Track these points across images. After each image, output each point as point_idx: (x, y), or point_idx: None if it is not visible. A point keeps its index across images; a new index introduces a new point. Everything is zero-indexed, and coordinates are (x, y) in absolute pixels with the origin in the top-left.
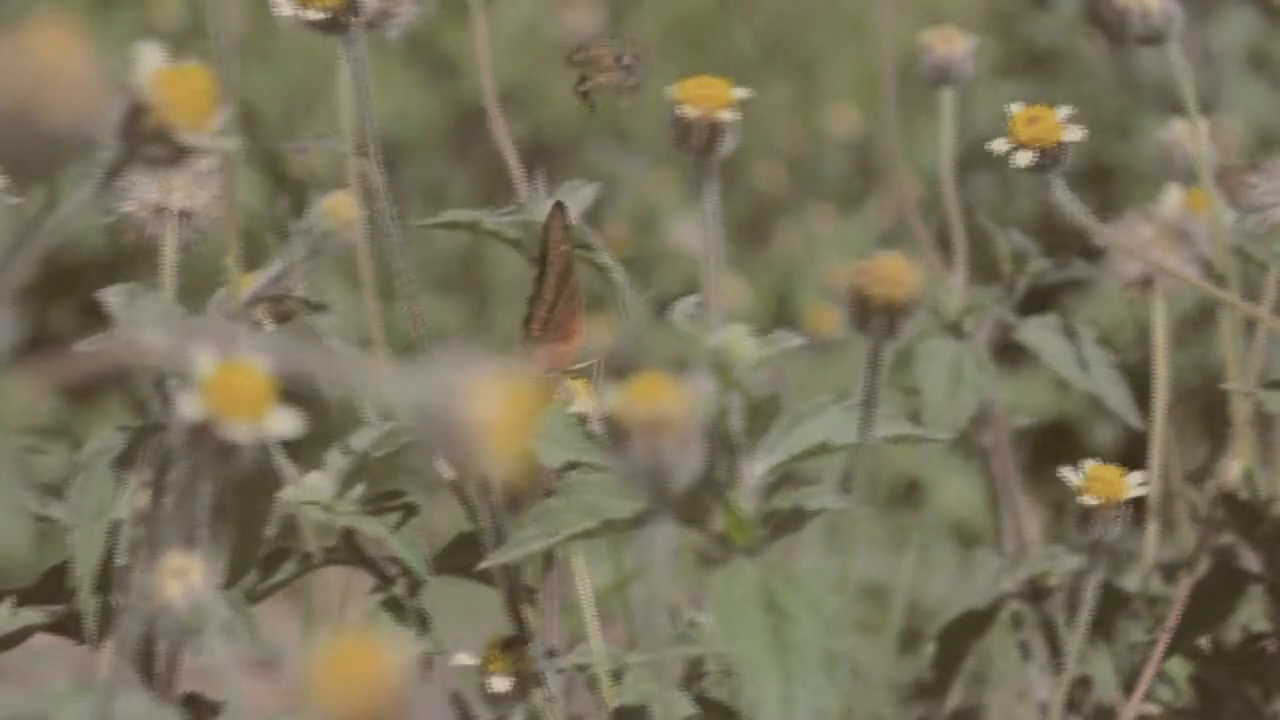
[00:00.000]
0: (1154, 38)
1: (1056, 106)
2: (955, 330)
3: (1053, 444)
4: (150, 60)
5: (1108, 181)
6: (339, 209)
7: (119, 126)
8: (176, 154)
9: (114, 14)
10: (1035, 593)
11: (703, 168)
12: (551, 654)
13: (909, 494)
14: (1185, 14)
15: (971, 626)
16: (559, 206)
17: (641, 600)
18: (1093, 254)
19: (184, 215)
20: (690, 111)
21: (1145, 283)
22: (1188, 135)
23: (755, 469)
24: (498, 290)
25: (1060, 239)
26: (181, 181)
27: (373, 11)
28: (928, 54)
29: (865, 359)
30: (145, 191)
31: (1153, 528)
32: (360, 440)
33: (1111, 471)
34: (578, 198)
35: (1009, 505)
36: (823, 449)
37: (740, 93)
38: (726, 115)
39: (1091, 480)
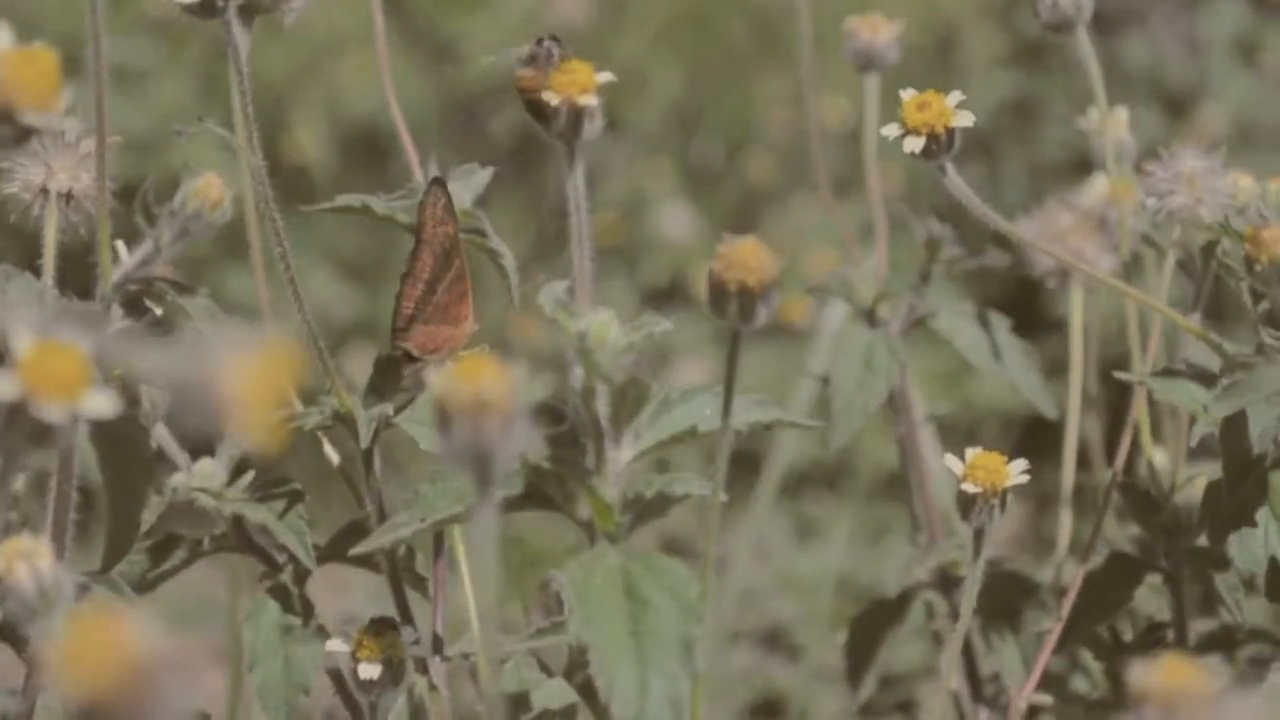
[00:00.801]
0: (1062, 25)
1: (1044, 95)
2: (869, 318)
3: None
4: None
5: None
6: (206, 190)
7: None
8: (21, 133)
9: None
10: (945, 581)
11: (568, 152)
12: (436, 641)
13: (889, 486)
14: (1172, 3)
15: (884, 616)
16: (436, 184)
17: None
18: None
19: (67, 197)
20: (553, 97)
21: (1063, 271)
22: (1108, 123)
23: (622, 455)
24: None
25: None
26: (65, 164)
27: None
28: (852, 39)
29: (727, 343)
30: (29, 173)
31: (1066, 517)
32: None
33: (994, 459)
34: (471, 182)
35: (921, 494)
36: (690, 435)
37: (604, 77)
38: (589, 100)
39: (973, 468)
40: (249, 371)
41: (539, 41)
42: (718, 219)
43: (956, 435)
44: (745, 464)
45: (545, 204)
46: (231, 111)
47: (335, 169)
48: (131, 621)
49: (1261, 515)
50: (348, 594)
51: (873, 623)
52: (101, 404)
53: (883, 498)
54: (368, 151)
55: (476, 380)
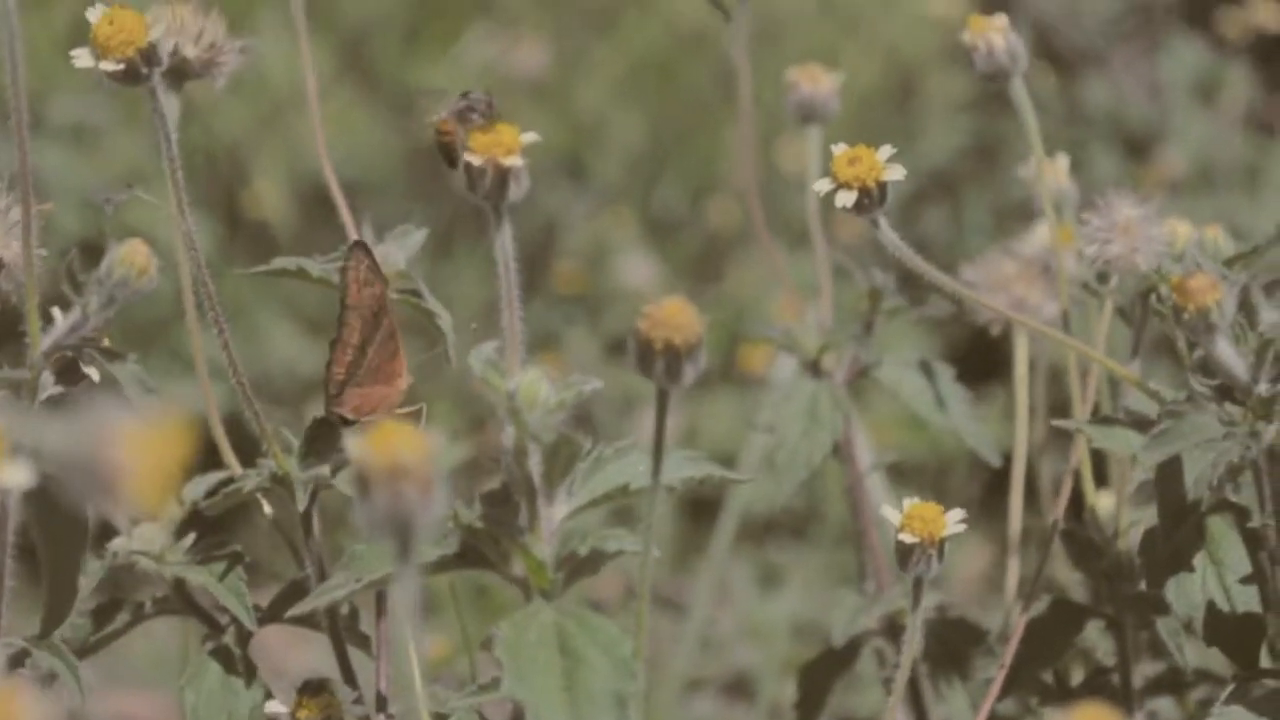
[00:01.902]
0: (998, 75)
1: (1006, 137)
2: (814, 369)
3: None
4: None
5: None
6: (133, 257)
7: None
8: None
9: None
10: (894, 629)
11: (494, 212)
12: (379, 700)
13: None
14: (1133, 46)
15: (832, 665)
16: (356, 249)
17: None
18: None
19: None
20: (475, 159)
21: (1007, 320)
22: (1047, 172)
23: (556, 512)
24: None
25: None
26: None
27: (195, 61)
28: (793, 91)
29: (655, 403)
30: None
31: (1013, 563)
32: (192, 490)
33: (930, 509)
34: (406, 242)
35: (866, 544)
36: (622, 493)
37: (528, 138)
38: (513, 161)
39: (909, 518)
40: (145, 443)
41: (465, 95)
42: (680, 267)
43: (924, 478)
44: (710, 510)
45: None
46: (189, 168)
47: (297, 224)
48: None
49: (1199, 560)
50: (308, 647)
51: (822, 672)
52: (17, 476)
53: (848, 544)
54: (330, 206)
55: (393, 446)
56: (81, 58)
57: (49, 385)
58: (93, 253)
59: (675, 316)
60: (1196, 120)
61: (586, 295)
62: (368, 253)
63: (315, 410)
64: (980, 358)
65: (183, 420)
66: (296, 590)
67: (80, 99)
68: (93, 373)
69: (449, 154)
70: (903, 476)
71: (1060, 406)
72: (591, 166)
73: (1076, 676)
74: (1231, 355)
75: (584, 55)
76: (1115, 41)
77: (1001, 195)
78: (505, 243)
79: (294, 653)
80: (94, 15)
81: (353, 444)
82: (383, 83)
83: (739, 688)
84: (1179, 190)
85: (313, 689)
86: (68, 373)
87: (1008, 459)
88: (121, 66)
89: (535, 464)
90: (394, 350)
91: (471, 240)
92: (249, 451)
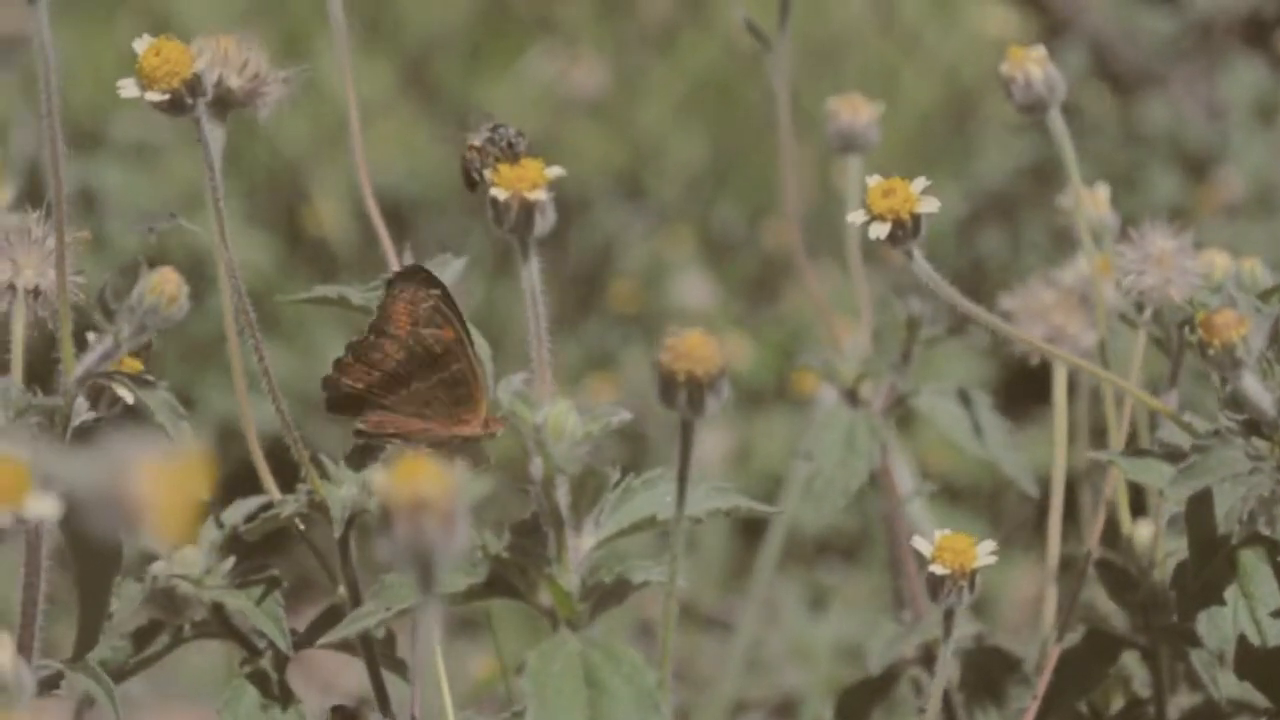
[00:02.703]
0: (1036, 106)
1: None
2: (851, 397)
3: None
4: None
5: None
6: (163, 285)
7: None
8: None
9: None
10: (930, 658)
11: (521, 246)
12: None
13: None
14: (1192, 66)
15: (870, 692)
16: (414, 282)
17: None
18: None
19: (34, 293)
20: (500, 193)
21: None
22: (1084, 201)
23: (584, 543)
24: None
25: None
26: (32, 260)
27: (239, 91)
28: (833, 120)
29: (678, 435)
30: None
31: (1051, 592)
32: (232, 515)
33: (962, 540)
34: (445, 272)
35: (904, 572)
36: (650, 523)
37: (554, 172)
38: (538, 195)
39: (940, 549)
40: (159, 478)
41: (495, 126)
42: (737, 287)
43: (978, 501)
44: (762, 531)
45: (566, 270)
46: (250, 185)
47: (357, 240)
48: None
49: (1230, 594)
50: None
51: (859, 699)
52: (44, 506)
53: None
54: (390, 222)
55: (416, 480)
56: (128, 88)
57: (82, 412)
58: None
59: (697, 349)
60: (1256, 141)
61: (643, 315)
62: (425, 288)
63: None
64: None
65: (204, 454)
66: (334, 614)
67: (142, 117)
68: (126, 398)
69: (466, 178)
70: (956, 499)
71: (1103, 430)
72: (650, 186)
73: (1113, 707)
74: (1258, 390)
75: (643, 74)
76: (1174, 62)
77: (1056, 217)
78: (533, 275)
79: (346, 671)
80: (140, 46)
81: (377, 477)
82: (444, 100)
83: (786, 709)
84: (1237, 212)
85: (345, 715)
86: (100, 400)
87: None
88: (167, 97)
89: (563, 494)
90: (464, 395)
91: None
92: (293, 472)
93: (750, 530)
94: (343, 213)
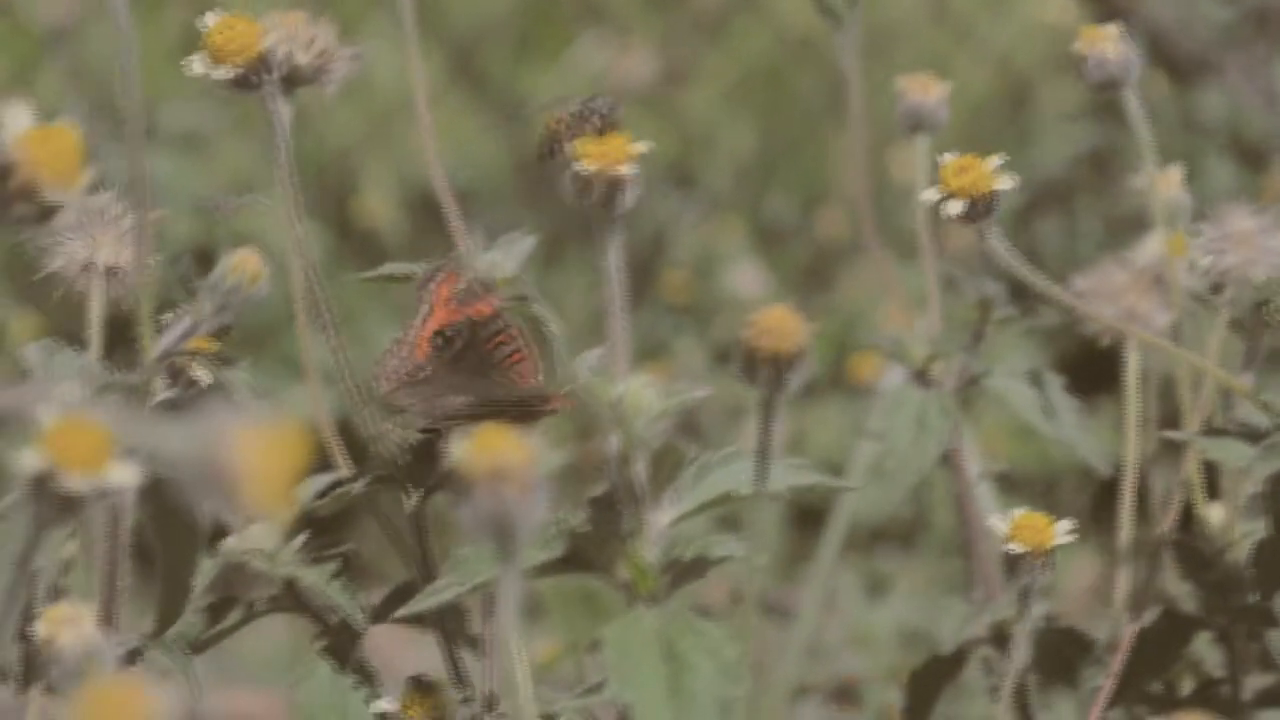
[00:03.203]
0: (1110, 85)
1: (1127, 149)
2: (922, 378)
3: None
4: (18, 121)
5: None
6: (245, 264)
7: None
8: (43, 212)
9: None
10: (1002, 638)
11: (604, 222)
12: (490, 701)
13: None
14: (1250, 54)
15: (941, 672)
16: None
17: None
18: None
19: (111, 271)
20: (588, 167)
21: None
22: (1160, 182)
23: (661, 518)
24: None
25: None
26: (109, 238)
27: (306, 68)
28: (901, 100)
29: (758, 411)
30: (73, 249)
31: (1123, 574)
32: (303, 491)
33: (1038, 519)
34: (514, 250)
35: (975, 552)
36: (726, 499)
37: (640, 147)
38: (625, 170)
39: (1018, 528)
40: (262, 448)
41: (588, 99)
42: (789, 276)
43: (1032, 489)
44: (815, 519)
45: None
46: (300, 176)
47: (407, 231)
48: (150, 687)
49: None
50: (416, 648)
51: (930, 679)
52: (126, 476)
53: (956, 553)
54: (438, 212)
55: (496, 450)
56: (195, 65)
57: (160, 391)
58: (202, 259)
59: (781, 324)
60: None
61: (695, 304)
62: (459, 274)
63: None
64: (1088, 370)
65: (298, 425)
66: (406, 591)
67: (191, 106)
68: (204, 378)
69: (545, 150)
70: (1011, 487)
71: (1170, 419)
72: (700, 175)
73: (1185, 688)
74: None
75: (694, 63)
76: (1231, 49)
77: (1114, 205)
78: (615, 251)
79: (402, 653)
80: (208, 23)
81: (456, 448)
82: (492, 90)
83: (846, 694)
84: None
85: (422, 687)
86: (179, 379)
87: (1117, 470)
88: (235, 74)
89: (640, 471)
90: (516, 371)
91: (580, 248)
92: (355, 456)
93: (805, 519)
94: (390, 203)
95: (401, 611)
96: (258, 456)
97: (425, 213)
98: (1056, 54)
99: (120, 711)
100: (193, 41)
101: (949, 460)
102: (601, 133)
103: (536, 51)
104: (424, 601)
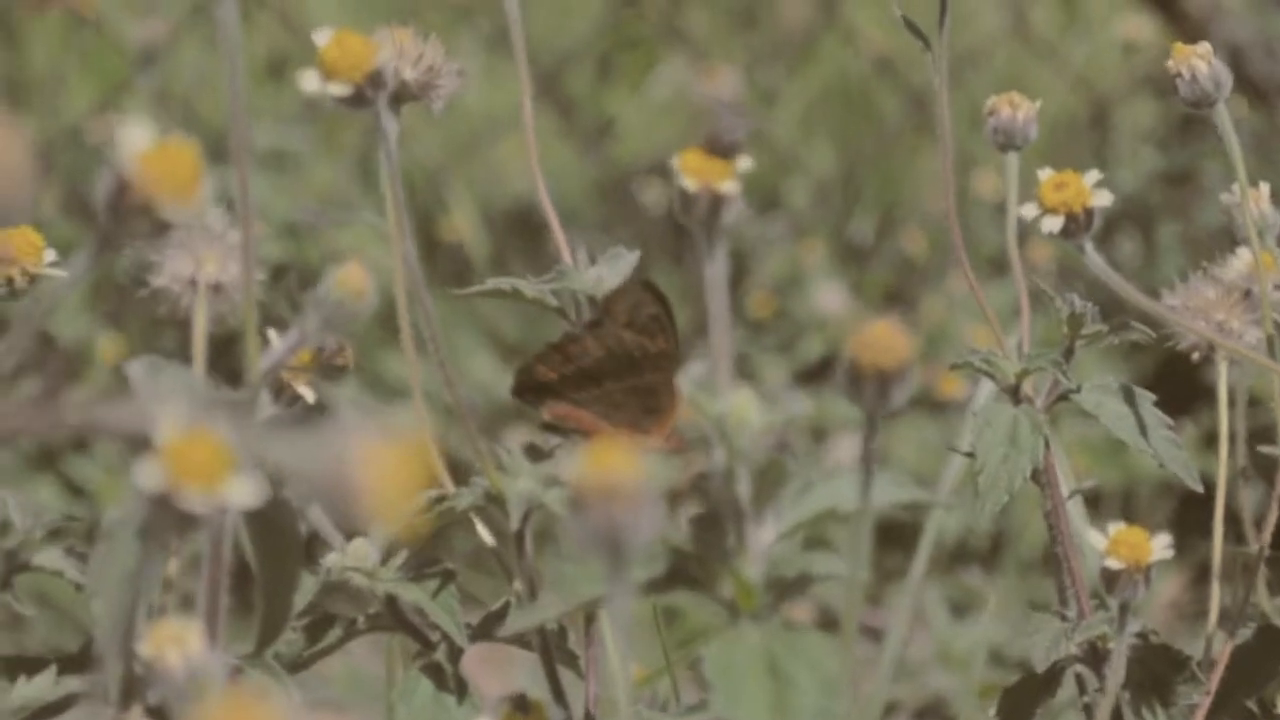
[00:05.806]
0: (1203, 101)
1: (1199, 166)
2: (1013, 394)
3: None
4: (136, 138)
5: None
6: (350, 280)
7: (105, 202)
8: (159, 227)
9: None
10: (1095, 655)
11: (707, 239)
12: (587, 718)
13: (1046, 560)
14: None
15: (1034, 690)
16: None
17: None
18: None
19: (216, 288)
20: (691, 184)
21: (1209, 346)
22: (1251, 198)
23: (763, 535)
24: None
25: None
26: (213, 254)
27: (413, 84)
28: (992, 117)
29: (862, 426)
30: (177, 265)
31: (1215, 590)
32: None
33: (1137, 534)
34: (618, 265)
35: (1068, 568)
36: (829, 515)
37: (744, 164)
38: (728, 187)
39: (1115, 543)
40: (386, 462)
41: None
42: (872, 295)
43: (1113, 505)
44: (899, 539)
45: (701, 281)
46: (383, 196)
47: (491, 250)
48: (274, 704)
49: None
50: (504, 670)
51: (1024, 696)
52: (245, 492)
53: (1039, 571)
54: (524, 232)
55: (608, 467)
56: (308, 82)
57: (266, 406)
58: (293, 277)
59: (885, 339)
60: None
61: (778, 323)
62: (665, 309)
63: (512, 435)
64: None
65: (415, 442)
66: (502, 610)
67: (278, 126)
68: (309, 395)
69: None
70: (1092, 504)
71: (1258, 435)
72: (783, 194)
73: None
74: None
75: (776, 84)
76: None
77: (1192, 224)
78: (718, 266)
79: (491, 674)
80: (321, 39)
81: (568, 463)
82: (576, 112)
83: (934, 712)
84: None
85: (523, 706)
86: (282, 395)
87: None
88: (349, 90)
89: (744, 487)
90: (654, 407)
91: (666, 269)
92: (454, 474)
93: (888, 538)
94: (476, 222)
95: (504, 629)
96: (382, 470)
97: (508, 232)
98: (1135, 74)
99: None
100: (279, 63)
101: (1038, 477)
102: (728, 156)
103: (620, 75)
104: (528, 618)
